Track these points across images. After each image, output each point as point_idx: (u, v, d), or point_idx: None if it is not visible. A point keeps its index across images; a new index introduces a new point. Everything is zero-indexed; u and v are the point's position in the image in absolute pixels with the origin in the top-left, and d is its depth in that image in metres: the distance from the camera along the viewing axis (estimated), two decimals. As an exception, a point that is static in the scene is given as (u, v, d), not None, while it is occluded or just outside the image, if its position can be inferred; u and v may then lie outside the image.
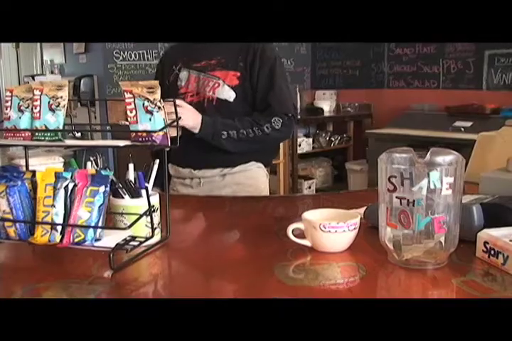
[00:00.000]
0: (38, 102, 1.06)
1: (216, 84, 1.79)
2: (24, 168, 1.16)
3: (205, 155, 1.78)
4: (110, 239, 0.98)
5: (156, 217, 1.08)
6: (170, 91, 1.83)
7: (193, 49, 1.85)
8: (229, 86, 1.78)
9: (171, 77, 1.89)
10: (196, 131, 1.66)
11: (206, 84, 1.80)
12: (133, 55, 4.32)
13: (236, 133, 1.73)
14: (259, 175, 1.90)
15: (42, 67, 4.88)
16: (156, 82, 1.03)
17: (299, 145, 4.65)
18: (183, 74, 1.86)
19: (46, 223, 0.98)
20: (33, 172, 1.04)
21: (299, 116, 4.41)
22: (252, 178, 1.86)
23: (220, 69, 1.80)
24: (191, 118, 1.65)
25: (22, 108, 1.08)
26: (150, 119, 1.02)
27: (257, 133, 1.75)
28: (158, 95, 1.02)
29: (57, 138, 1.06)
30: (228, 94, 1.78)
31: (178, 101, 1.45)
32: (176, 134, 1.23)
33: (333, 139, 4.99)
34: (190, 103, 1.78)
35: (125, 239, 0.99)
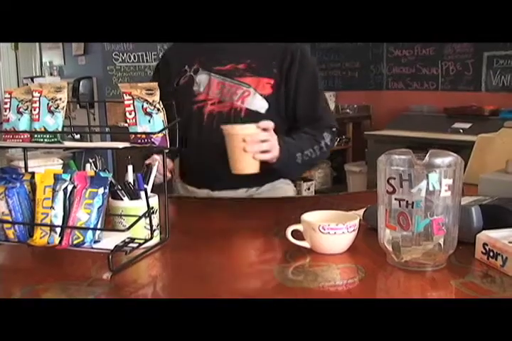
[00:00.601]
0: (37, 104, 1.06)
1: (246, 93, 1.53)
2: (23, 170, 1.16)
3: (225, 173, 1.38)
4: (109, 241, 0.98)
5: (155, 219, 1.08)
6: (181, 97, 1.54)
7: (213, 48, 1.56)
8: (261, 95, 1.53)
9: (181, 79, 1.62)
10: (274, 160, 1.40)
11: (233, 91, 1.54)
12: (132, 57, 4.33)
13: (301, 155, 1.48)
14: (289, 193, 1.68)
15: (41, 68, 4.89)
16: (155, 84, 1.03)
17: (298, 146, 4.64)
18: (202, 78, 1.59)
19: (45, 225, 0.98)
20: (32, 174, 1.04)
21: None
22: None
23: (251, 76, 1.54)
24: (276, 147, 1.39)
25: (21, 110, 1.08)
26: (149, 121, 1.02)
27: (317, 152, 1.52)
28: (157, 97, 1.02)
29: (56, 140, 1.06)
30: (260, 105, 1.53)
31: (265, 124, 1.36)
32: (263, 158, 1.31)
33: (332, 141, 4.98)
34: (210, 113, 1.57)
35: (124, 241, 0.99)
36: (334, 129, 1.60)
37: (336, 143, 4.99)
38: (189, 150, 1.57)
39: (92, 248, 0.97)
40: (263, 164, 1.37)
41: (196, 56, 1.61)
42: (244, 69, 1.55)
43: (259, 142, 1.34)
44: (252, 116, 1.50)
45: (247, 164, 1.32)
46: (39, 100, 1.06)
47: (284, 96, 1.56)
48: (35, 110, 1.06)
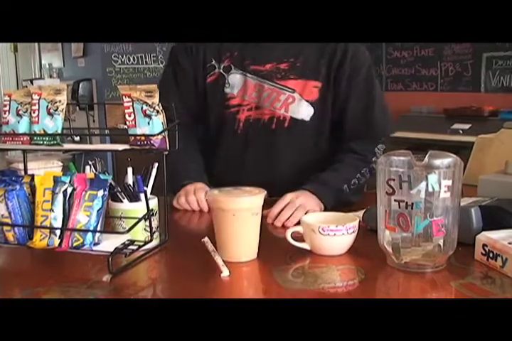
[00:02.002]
0: (36, 106, 1.06)
1: (290, 99, 1.36)
2: (23, 172, 1.16)
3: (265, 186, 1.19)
4: (109, 243, 0.98)
5: (155, 221, 1.07)
6: (210, 98, 1.41)
7: (241, 44, 1.38)
8: (307, 101, 1.37)
9: (207, 77, 1.42)
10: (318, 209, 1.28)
11: (275, 97, 1.37)
12: (131, 59, 4.33)
13: (347, 186, 1.34)
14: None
15: (40, 71, 4.89)
16: (155, 86, 1.02)
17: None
18: (235, 78, 1.39)
19: (45, 227, 0.98)
20: (32, 177, 1.04)
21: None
22: None
23: (296, 78, 1.37)
24: (313, 203, 1.27)
25: (20, 112, 1.08)
26: (148, 123, 1.02)
27: (366, 175, 1.37)
28: (156, 99, 1.02)
29: (55, 142, 1.06)
30: (306, 112, 1.37)
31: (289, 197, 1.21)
32: None
33: (331, 142, 4.98)
34: (247, 120, 1.40)
35: (124, 243, 0.98)
36: (385, 137, 1.43)
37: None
38: (220, 156, 1.48)
39: (92, 250, 0.97)
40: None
41: (226, 50, 1.40)
42: (287, 69, 1.37)
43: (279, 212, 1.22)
44: (297, 126, 1.38)
45: (243, 250, 1.02)
46: (38, 102, 1.06)
47: (331, 102, 1.40)
48: (34, 112, 1.06)
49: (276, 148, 1.43)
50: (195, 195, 1.34)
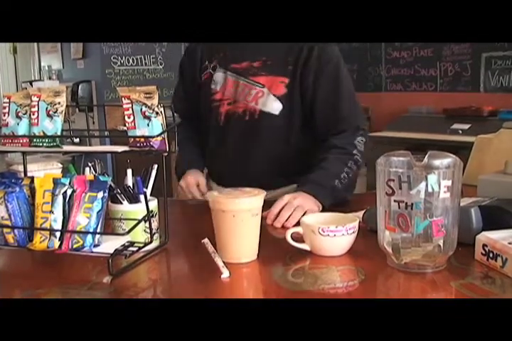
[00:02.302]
0: (35, 108, 1.06)
1: (260, 93, 1.48)
2: (22, 174, 1.16)
3: (240, 173, 1.52)
4: (109, 245, 0.98)
5: (155, 222, 1.08)
6: (202, 94, 1.58)
7: (231, 44, 1.50)
8: (274, 95, 1.47)
9: (202, 76, 1.58)
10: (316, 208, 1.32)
11: (247, 92, 1.49)
12: (130, 60, 4.33)
13: (339, 181, 1.39)
14: None
15: (40, 72, 4.89)
16: (154, 88, 1.03)
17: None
18: (219, 76, 1.54)
19: (45, 229, 0.98)
20: (32, 179, 1.04)
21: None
22: None
23: (266, 74, 1.48)
24: (311, 203, 1.31)
25: (20, 114, 1.08)
26: (148, 125, 1.02)
27: (353, 167, 1.43)
28: (155, 100, 1.02)
29: (55, 144, 1.06)
30: (273, 106, 1.47)
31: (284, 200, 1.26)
32: None
33: (331, 143, 4.98)
34: (226, 113, 1.53)
35: (124, 245, 0.99)
36: (363, 130, 1.49)
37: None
38: (210, 149, 1.64)
39: (92, 252, 0.97)
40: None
41: (215, 52, 1.56)
42: (258, 67, 1.49)
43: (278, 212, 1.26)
44: (266, 118, 1.48)
45: (243, 251, 1.02)
46: (38, 104, 1.06)
47: (300, 97, 1.48)
48: (34, 114, 1.06)
49: (249, 139, 1.55)
50: (184, 181, 1.60)
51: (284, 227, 1.21)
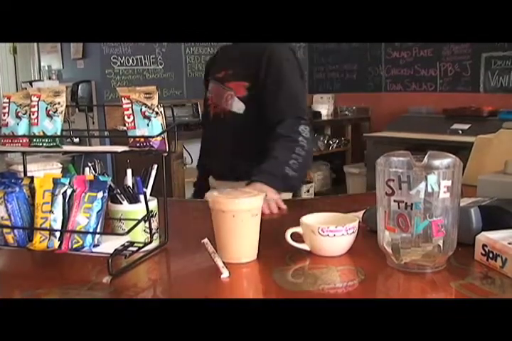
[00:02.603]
0: (35, 108, 1.06)
1: (229, 96, 1.75)
2: (22, 174, 1.16)
3: (227, 164, 1.79)
4: (109, 245, 0.98)
5: (155, 222, 1.08)
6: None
7: (218, 57, 1.90)
8: (238, 97, 1.73)
9: (209, 85, 1.90)
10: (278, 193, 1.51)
11: (222, 95, 1.77)
12: (130, 60, 4.33)
13: (289, 167, 1.56)
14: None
15: (40, 72, 4.88)
16: (154, 88, 1.03)
17: (298, 149, 4.64)
18: (210, 85, 1.87)
19: (44, 229, 0.98)
20: (31, 179, 1.04)
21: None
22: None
23: (234, 80, 1.75)
24: (268, 191, 1.46)
25: (20, 114, 1.08)
26: (148, 125, 1.02)
27: (301, 153, 1.59)
28: (155, 100, 1.02)
29: (55, 144, 1.06)
30: (238, 106, 1.73)
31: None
32: None
33: (331, 143, 4.99)
34: (213, 115, 1.82)
35: (124, 245, 0.99)
36: (305, 120, 1.66)
37: (335, 145, 5.00)
38: (206, 148, 1.97)
39: (92, 252, 0.97)
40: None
41: (211, 65, 1.93)
42: (230, 74, 1.76)
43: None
44: (234, 117, 1.74)
45: (243, 251, 1.02)
46: (38, 104, 1.06)
47: (258, 97, 1.70)
48: (33, 114, 1.06)
49: (225, 136, 1.82)
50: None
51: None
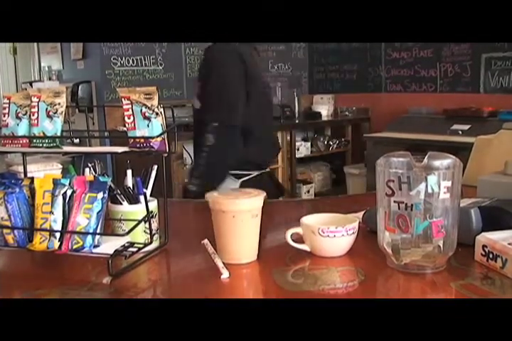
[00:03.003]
0: (35, 109, 1.06)
1: (194, 95, 1.97)
2: (22, 175, 1.16)
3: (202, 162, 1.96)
4: (109, 246, 0.98)
5: (155, 223, 1.08)
6: None
7: None
8: (196, 95, 1.94)
9: None
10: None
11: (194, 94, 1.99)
12: (130, 61, 4.33)
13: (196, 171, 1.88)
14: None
15: (40, 73, 4.88)
16: (154, 88, 1.03)
17: (297, 149, 4.65)
18: None
19: (44, 230, 0.98)
20: (31, 179, 1.04)
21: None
22: None
23: (197, 81, 1.97)
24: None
25: (20, 115, 1.08)
26: (148, 125, 1.02)
27: (201, 162, 1.84)
28: (155, 101, 1.02)
29: (55, 144, 1.06)
30: (196, 103, 1.93)
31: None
32: None
33: (331, 143, 4.99)
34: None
35: (124, 245, 0.99)
36: (217, 126, 1.81)
37: (336, 145, 5.01)
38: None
39: (92, 253, 0.97)
40: None
41: None
42: (198, 74, 1.99)
43: None
44: (195, 113, 2.01)
45: (243, 252, 1.02)
46: (38, 105, 1.06)
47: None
48: (33, 115, 1.06)
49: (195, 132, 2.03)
50: None
51: None
